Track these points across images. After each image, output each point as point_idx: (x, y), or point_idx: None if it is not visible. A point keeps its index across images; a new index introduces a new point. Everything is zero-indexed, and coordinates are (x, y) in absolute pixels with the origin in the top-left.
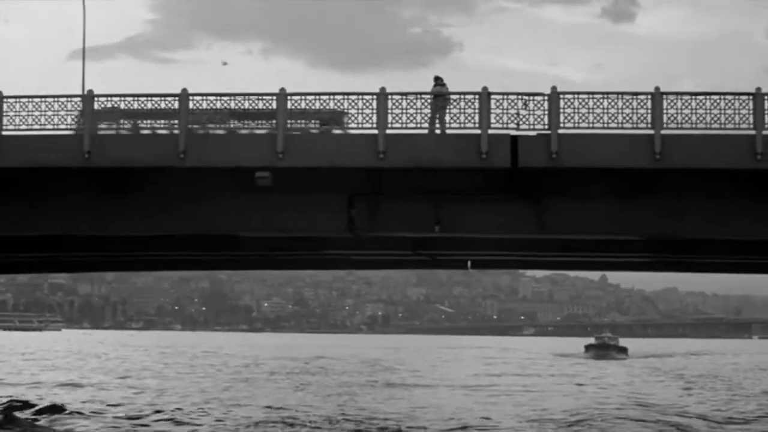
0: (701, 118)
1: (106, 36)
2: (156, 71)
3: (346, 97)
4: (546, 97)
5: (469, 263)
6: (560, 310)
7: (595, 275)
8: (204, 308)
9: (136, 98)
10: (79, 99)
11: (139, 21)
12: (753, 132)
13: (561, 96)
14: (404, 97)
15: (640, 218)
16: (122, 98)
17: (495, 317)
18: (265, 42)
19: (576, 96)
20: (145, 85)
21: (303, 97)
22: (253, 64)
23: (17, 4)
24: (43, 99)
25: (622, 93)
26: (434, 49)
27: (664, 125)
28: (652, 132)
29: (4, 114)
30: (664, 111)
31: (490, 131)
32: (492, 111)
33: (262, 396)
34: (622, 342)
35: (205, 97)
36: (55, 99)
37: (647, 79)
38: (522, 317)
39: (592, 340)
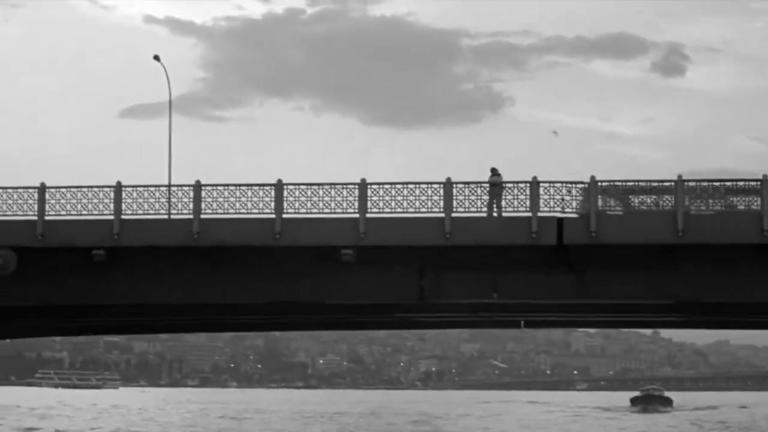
0: (716, 202)
1: (156, 94)
2: (206, 129)
3: (417, 185)
4: (586, 185)
5: (522, 323)
6: (613, 364)
7: (647, 329)
8: (259, 366)
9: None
10: (189, 187)
11: (190, 79)
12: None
13: (599, 183)
14: (466, 185)
15: (667, 285)
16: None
17: (548, 372)
18: (315, 99)
19: (611, 183)
20: (197, 142)
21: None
22: (304, 120)
23: (68, 55)
24: (157, 187)
25: (650, 180)
26: (486, 105)
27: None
28: (674, 212)
29: (123, 200)
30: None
31: (540, 214)
32: (540, 197)
33: None
34: (672, 395)
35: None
36: (168, 187)
37: (697, 132)
38: (575, 372)
39: (638, 393)
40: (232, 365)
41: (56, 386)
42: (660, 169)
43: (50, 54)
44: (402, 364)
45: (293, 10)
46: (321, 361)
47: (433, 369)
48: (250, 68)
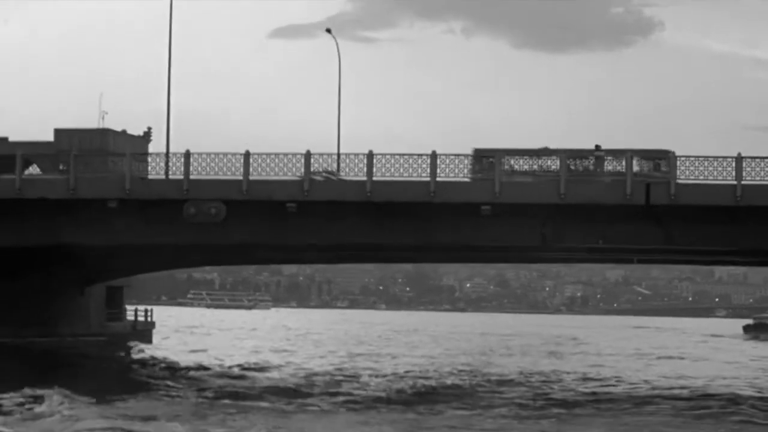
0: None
1: (307, 15)
2: (357, 50)
3: (540, 156)
4: (668, 160)
5: (635, 259)
6: (753, 292)
7: None
8: (407, 289)
9: None
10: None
11: (340, 0)
12: None
13: (678, 158)
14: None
15: (729, 236)
16: None
17: (690, 299)
18: (466, 21)
19: (687, 157)
20: (347, 63)
21: None
22: (454, 43)
23: None
24: (341, 155)
25: (717, 156)
26: (636, 29)
27: (743, 178)
28: (735, 183)
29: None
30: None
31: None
32: (633, 166)
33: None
34: None
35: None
36: (338, 155)
37: None
38: (716, 299)
39: (750, 321)
40: (381, 287)
41: (208, 306)
42: None
43: None
44: (547, 289)
45: None
46: (468, 285)
47: (578, 294)
48: None
